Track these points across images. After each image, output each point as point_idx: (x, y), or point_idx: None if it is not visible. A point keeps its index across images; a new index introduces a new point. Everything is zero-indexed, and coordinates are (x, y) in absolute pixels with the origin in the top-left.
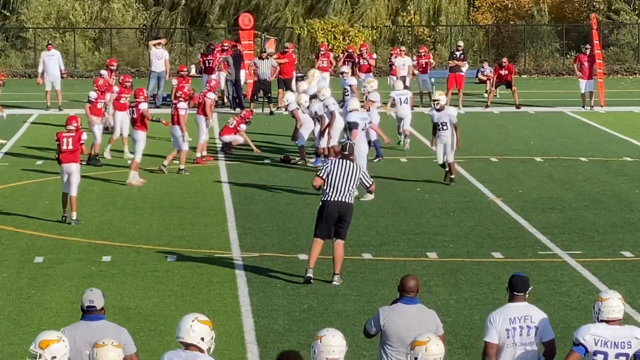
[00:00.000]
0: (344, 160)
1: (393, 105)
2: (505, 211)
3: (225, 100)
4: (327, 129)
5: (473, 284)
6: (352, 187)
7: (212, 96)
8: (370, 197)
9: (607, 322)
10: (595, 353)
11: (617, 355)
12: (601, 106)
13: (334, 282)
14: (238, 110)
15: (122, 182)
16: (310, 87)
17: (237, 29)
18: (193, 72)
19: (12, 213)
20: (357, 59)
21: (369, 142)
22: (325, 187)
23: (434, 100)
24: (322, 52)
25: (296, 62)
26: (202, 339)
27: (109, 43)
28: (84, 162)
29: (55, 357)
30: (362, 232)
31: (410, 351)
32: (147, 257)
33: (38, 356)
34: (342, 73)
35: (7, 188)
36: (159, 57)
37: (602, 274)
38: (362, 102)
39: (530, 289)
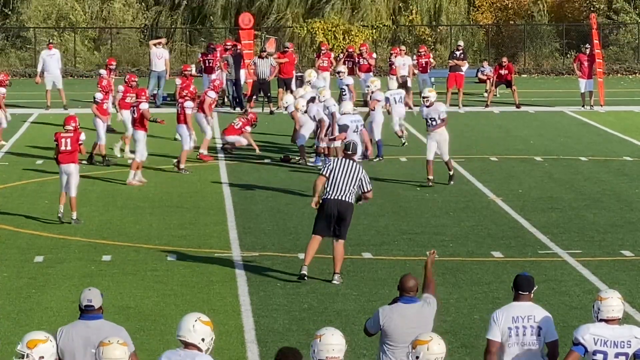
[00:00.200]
0: (347, 160)
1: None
2: (505, 211)
3: (226, 99)
4: (330, 129)
5: (473, 284)
6: (353, 187)
7: (212, 95)
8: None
9: (607, 321)
10: (594, 352)
11: (617, 355)
12: (601, 106)
13: (334, 282)
14: (238, 110)
15: (122, 181)
16: (307, 92)
17: (237, 28)
18: (193, 71)
19: (12, 212)
20: (357, 59)
21: (370, 141)
22: (326, 186)
23: (424, 97)
24: (322, 52)
25: (296, 61)
26: (203, 339)
27: (109, 42)
28: (84, 162)
29: (42, 357)
30: (362, 232)
31: (411, 350)
32: (147, 256)
33: (25, 356)
34: (338, 72)
35: (7, 188)
36: (159, 57)
37: (602, 274)
38: (365, 101)
39: (535, 288)
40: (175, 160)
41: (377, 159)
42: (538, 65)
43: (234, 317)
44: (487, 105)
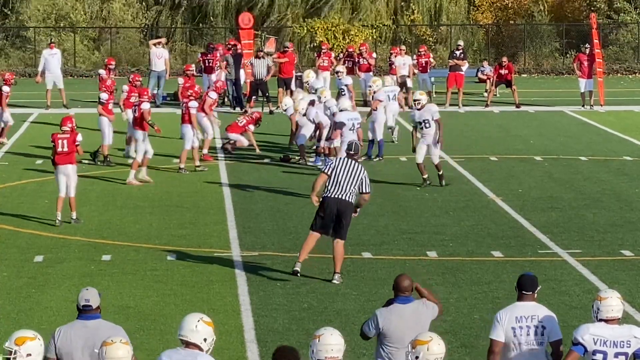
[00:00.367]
0: (349, 160)
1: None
2: (505, 210)
3: (226, 99)
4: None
5: (473, 283)
6: (354, 187)
7: (214, 96)
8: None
9: (606, 321)
10: (594, 352)
11: (617, 355)
12: (601, 105)
13: (334, 281)
14: (238, 109)
15: (122, 181)
16: (306, 95)
17: (237, 28)
18: (193, 71)
19: (12, 212)
20: (356, 59)
21: (372, 141)
22: (327, 184)
23: (415, 101)
24: (323, 51)
25: (296, 61)
26: (205, 339)
27: (109, 42)
28: (85, 161)
29: (30, 354)
30: (362, 231)
31: (411, 350)
32: (147, 256)
33: (13, 353)
34: (337, 72)
35: (7, 187)
36: (159, 57)
37: (602, 273)
38: (364, 101)
39: (539, 288)
40: (176, 160)
41: (377, 158)
42: (538, 65)
43: (234, 317)
44: (487, 105)
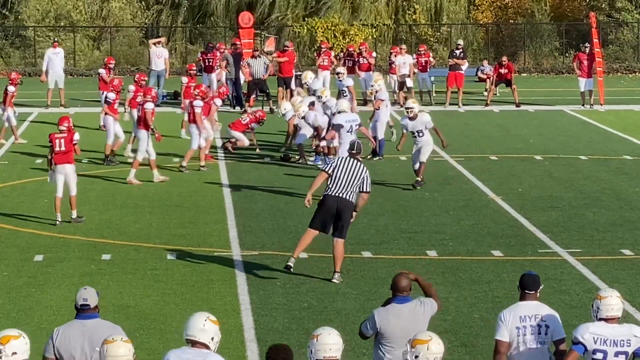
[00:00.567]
0: (351, 159)
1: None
2: (505, 209)
3: (225, 99)
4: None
5: (473, 282)
6: (355, 186)
7: (218, 103)
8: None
9: (606, 320)
10: (594, 351)
11: (616, 354)
12: (601, 104)
13: (334, 280)
14: (238, 108)
15: (123, 180)
16: (306, 97)
17: (237, 27)
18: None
19: (12, 211)
20: (356, 58)
21: (374, 138)
22: (329, 182)
23: (408, 109)
24: (323, 50)
25: (296, 60)
26: (212, 338)
27: (109, 41)
28: (85, 161)
29: (15, 352)
30: (362, 231)
31: (410, 349)
32: (147, 255)
33: None
34: (337, 74)
35: (7, 186)
36: (159, 56)
37: (602, 272)
38: (365, 100)
39: (541, 287)
40: (199, 166)
41: (377, 158)
42: (538, 64)
43: (234, 316)
44: (487, 104)
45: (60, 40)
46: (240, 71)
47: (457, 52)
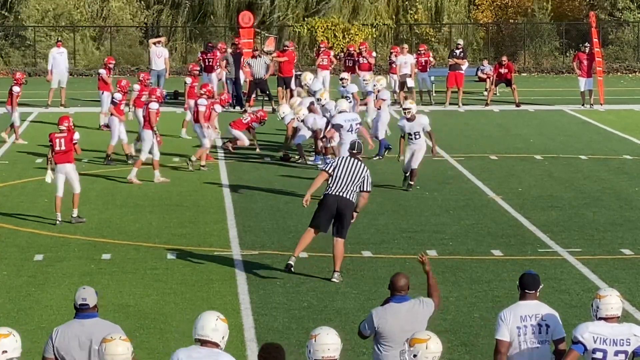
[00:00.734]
0: (352, 159)
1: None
2: (505, 209)
3: None
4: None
5: (473, 282)
6: (356, 185)
7: (218, 109)
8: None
9: (606, 319)
10: (594, 351)
11: (616, 353)
12: (601, 104)
13: (333, 279)
14: (238, 108)
15: (122, 179)
16: (305, 98)
17: (237, 27)
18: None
19: (11, 211)
20: (356, 58)
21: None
22: (329, 182)
23: (405, 109)
24: (322, 50)
25: (296, 60)
26: (223, 337)
27: (109, 41)
28: (85, 160)
29: (6, 351)
30: (362, 230)
31: (408, 348)
32: (147, 255)
33: None
34: (341, 79)
35: (7, 186)
36: (159, 56)
37: (602, 272)
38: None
39: (541, 287)
40: (199, 165)
41: (377, 157)
42: (538, 63)
43: (234, 316)
44: (487, 104)
45: (61, 39)
46: (241, 71)
47: (457, 51)
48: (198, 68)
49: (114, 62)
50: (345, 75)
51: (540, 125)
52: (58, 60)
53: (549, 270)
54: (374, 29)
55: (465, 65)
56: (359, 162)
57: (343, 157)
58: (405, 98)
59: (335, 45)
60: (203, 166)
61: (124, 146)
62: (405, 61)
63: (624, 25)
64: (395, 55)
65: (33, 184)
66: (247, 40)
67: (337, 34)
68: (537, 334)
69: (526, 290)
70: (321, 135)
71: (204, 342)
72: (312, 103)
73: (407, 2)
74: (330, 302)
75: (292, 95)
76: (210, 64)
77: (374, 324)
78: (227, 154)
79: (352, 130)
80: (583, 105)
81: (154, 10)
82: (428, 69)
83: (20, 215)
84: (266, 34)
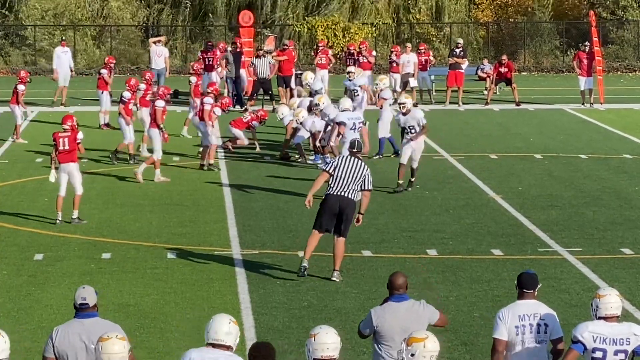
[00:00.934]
0: (352, 157)
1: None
2: (505, 208)
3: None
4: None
5: (473, 281)
6: (357, 184)
7: (218, 112)
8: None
9: (605, 319)
10: (594, 350)
11: (616, 352)
12: (601, 103)
13: (333, 278)
14: (238, 107)
15: (122, 178)
16: (304, 100)
17: (237, 26)
18: (191, 69)
19: (12, 210)
20: (356, 57)
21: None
22: (330, 182)
23: (400, 104)
24: (320, 49)
25: (296, 59)
26: (236, 340)
27: (109, 40)
28: (84, 160)
29: None
30: (361, 230)
31: (406, 347)
32: (147, 254)
33: None
34: (348, 73)
35: (6, 185)
36: (159, 55)
37: (602, 271)
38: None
39: (539, 286)
40: (199, 164)
41: (377, 156)
42: (538, 62)
43: (234, 315)
44: (487, 103)
45: (61, 38)
46: (246, 71)
47: (457, 50)
48: (202, 67)
49: (114, 61)
50: (352, 68)
51: (540, 124)
52: (62, 58)
53: (549, 270)
54: (374, 28)
55: (465, 64)
56: (359, 161)
57: (343, 156)
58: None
59: (335, 44)
60: (202, 165)
61: (129, 146)
62: (409, 60)
63: (626, 24)
64: (396, 55)
65: (33, 184)
66: (247, 40)
67: (337, 33)
68: (535, 334)
69: (524, 290)
70: (319, 137)
71: (216, 346)
72: (311, 103)
73: (409, 2)
74: (331, 302)
75: (292, 95)
76: (210, 63)
77: (372, 323)
78: (227, 153)
79: (355, 129)
80: (583, 104)
81: (155, 10)
82: (428, 68)
83: (20, 215)
84: (266, 33)
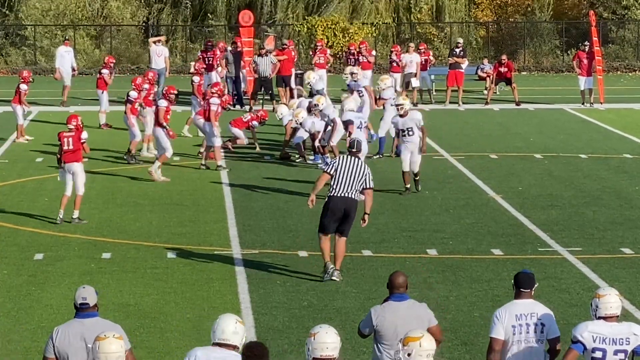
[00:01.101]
0: (352, 158)
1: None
2: (505, 208)
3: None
4: (331, 134)
5: (473, 281)
6: (358, 184)
7: (217, 107)
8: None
9: (605, 318)
10: (593, 350)
11: (616, 352)
12: (601, 103)
13: (334, 278)
14: (238, 107)
15: (122, 178)
16: (303, 100)
17: (237, 26)
18: (193, 69)
19: (12, 210)
20: (356, 57)
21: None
22: (332, 183)
23: (398, 105)
24: (318, 48)
25: (296, 59)
26: (242, 339)
27: (110, 40)
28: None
29: None
30: (362, 229)
31: (402, 347)
32: (147, 254)
33: None
34: (351, 74)
35: (6, 185)
36: (159, 54)
37: (602, 271)
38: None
39: (536, 285)
40: (200, 163)
41: (377, 156)
42: (538, 62)
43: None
44: (487, 103)
45: (62, 38)
46: (247, 68)
47: (457, 50)
48: (204, 66)
49: (114, 61)
50: (355, 69)
51: (540, 124)
52: (66, 58)
53: (549, 269)
54: (374, 28)
55: (465, 64)
56: (359, 161)
57: (343, 156)
58: (407, 97)
59: (335, 44)
60: (203, 165)
61: (132, 145)
62: (411, 60)
63: (627, 24)
64: (396, 54)
65: (33, 183)
66: (247, 39)
67: (336, 32)
68: (532, 333)
69: (521, 289)
70: (319, 137)
71: (222, 345)
72: (309, 109)
73: (410, 2)
74: (331, 301)
75: (292, 95)
76: (210, 62)
77: (372, 322)
78: (227, 153)
79: (361, 127)
80: (583, 104)
81: (155, 9)
82: (428, 68)
83: (20, 214)
84: (265, 33)
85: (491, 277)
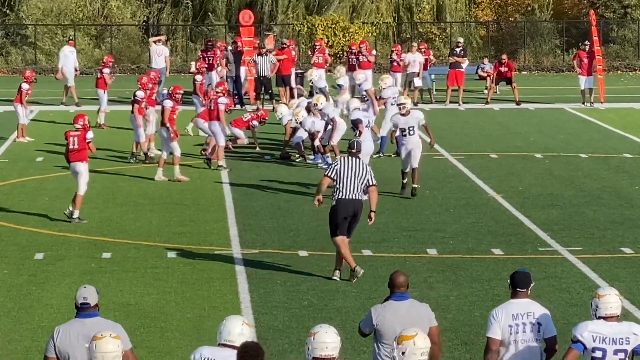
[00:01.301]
0: (353, 158)
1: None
2: (505, 208)
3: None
4: (331, 134)
5: (473, 281)
6: (362, 184)
7: (224, 107)
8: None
9: (605, 318)
10: (593, 350)
11: (616, 352)
12: (601, 102)
13: (334, 277)
14: (238, 107)
15: (122, 178)
16: (303, 100)
17: (237, 25)
18: (193, 68)
19: (12, 210)
20: (357, 56)
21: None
22: (337, 186)
23: (400, 105)
24: (317, 47)
25: (296, 58)
26: None
27: (110, 40)
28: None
29: None
30: (362, 229)
31: (397, 345)
32: (147, 253)
33: None
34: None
35: (7, 185)
36: (159, 54)
37: (602, 271)
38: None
39: (532, 285)
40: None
41: (378, 155)
42: (538, 62)
43: (234, 314)
44: (487, 103)
45: (62, 38)
46: (246, 68)
47: (458, 50)
48: (206, 66)
49: (112, 61)
50: (361, 76)
51: (541, 123)
52: (70, 58)
53: (549, 269)
54: (374, 28)
55: (465, 63)
56: (359, 161)
57: (343, 158)
58: (407, 96)
59: (335, 43)
60: (220, 165)
61: (134, 144)
62: (414, 59)
63: (628, 23)
64: (397, 54)
65: (33, 183)
66: (247, 39)
67: (337, 32)
68: (529, 333)
69: (518, 289)
70: (319, 137)
71: (228, 346)
72: (308, 109)
73: (411, 1)
74: (331, 301)
75: (292, 94)
76: (210, 62)
77: (372, 322)
78: (227, 153)
79: (369, 126)
80: (583, 103)
81: (155, 9)
82: (428, 67)
83: (20, 214)
84: (265, 32)
85: (491, 276)
